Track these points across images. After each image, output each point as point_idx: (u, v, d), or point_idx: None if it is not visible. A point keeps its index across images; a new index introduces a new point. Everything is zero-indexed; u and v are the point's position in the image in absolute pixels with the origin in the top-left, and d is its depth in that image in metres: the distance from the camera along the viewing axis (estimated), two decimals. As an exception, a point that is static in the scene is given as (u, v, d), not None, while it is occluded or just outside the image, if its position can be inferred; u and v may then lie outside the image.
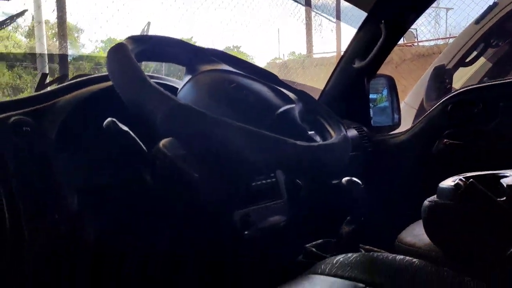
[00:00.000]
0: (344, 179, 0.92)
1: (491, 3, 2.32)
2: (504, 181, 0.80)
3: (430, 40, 6.40)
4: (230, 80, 0.77)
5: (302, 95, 0.86)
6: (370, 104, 1.83)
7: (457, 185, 0.76)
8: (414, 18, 1.59)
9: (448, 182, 0.86)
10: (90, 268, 0.77)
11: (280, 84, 0.87)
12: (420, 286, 0.70)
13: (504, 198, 0.77)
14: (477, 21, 2.38)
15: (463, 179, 0.76)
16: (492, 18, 2.33)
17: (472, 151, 1.45)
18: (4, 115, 0.71)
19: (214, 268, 0.96)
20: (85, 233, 0.73)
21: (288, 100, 0.80)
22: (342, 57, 1.70)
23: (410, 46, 6.54)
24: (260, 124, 0.65)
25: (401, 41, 7.02)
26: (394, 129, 1.75)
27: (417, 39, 6.96)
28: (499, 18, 2.33)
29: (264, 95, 0.77)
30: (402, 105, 2.48)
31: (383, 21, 1.53)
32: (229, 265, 1.00)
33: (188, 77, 0.79)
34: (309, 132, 0.78)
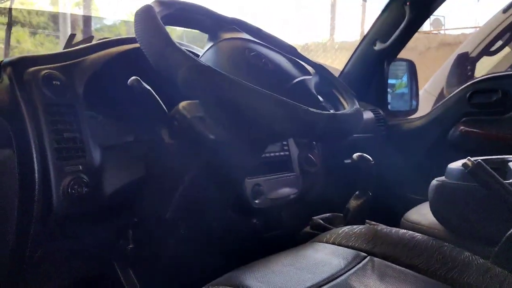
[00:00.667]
0: (355, 155, 0.94)
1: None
2: (512, 165, 0.82)
3: (458, 28, 6.26)
4: (251, 48, 0.79)
5: (320, 68, 0.88)
6: (389, 90, 1.83)
7: (464, 165, 0.77)
8: (439, 2, 1.57)
9: (457, 163, 0.88)
10: (105, 219, 0.82)
11: (299, 57, 0.89)
12: (420, 257, 0.73)
13: (511, 180, 0.79)
14: (505, 10, 2.34)
15: (471, 160, 0.77)
16: (521, 8, 2.29)
17: (488, 139, 1.45)
18: (36, 68, 0.75)
19: (223, 230, 1.00)
20: (103, 186, 0.78)
21: (305, 72, 0.83)
22: (364, 38, 1.69)
23: (437, 33, 6.40)
24: (276, 91, 0.67)
25: (427, 28, 6.89)
26: (411, 115, 1.76)
27: (444, 27, 6.81)
28: (528, 8, 2.28)
29: (282, 65, 0.79)
30: (421, 91, 2.47)
31: (408, 3, 1.52)
32: (238, 230, 1.04)
33: (210, 44, 0.81)
34: (324, 104, 0.80)
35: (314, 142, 1.21)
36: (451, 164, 0.90)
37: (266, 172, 1.07)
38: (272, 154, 1.10)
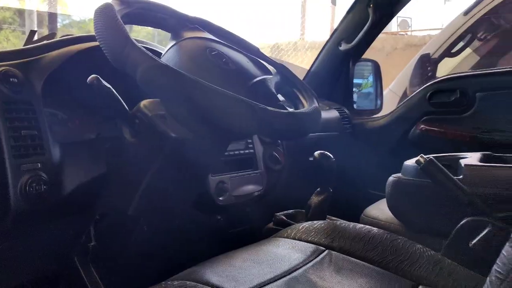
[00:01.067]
0: (317, 152, 0.97)
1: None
2: (462, 161, 0.86)
3: (424, 30, 6.42)
4: (212, 48, 0.80)
5: (282, 68, 0.90)
6: (355, 89, 1.87)
7: (417, 161, 0.81)
8: (402, 5, 1.62)
9: (413, 160, 0.92)
10: (66, 217, 0.82)
11: (261, 57, 0.91)
12: (375, 250, 0.76)
13: (461, 176, 0.83)
14: (466, 12, 2.43)
15: (424, 157, 0.81)
16: (481, 10, 2.38)
17: (447, 137, 1.51)
18: None
19: (186, 226, 1.01)
20: (63, 184, 0.77)
21: (266, 71, 0.84)
22: (329, 38, 1.73)
23: (403, 35, 6.56)
24: (236, 90, 0.68)
25: (395, 29, 7.04)
26: (376, 113, 1.80)
27: (411, 28, 6.99)
28: (487, 11, 2.37)
29: (243, 64, 0.81)
30: (386, 91, 2.54)
31: (371, 5, 1.56)
32: (202, 226, 1.05)
33: (172, 43, 0.82)
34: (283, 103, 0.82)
35: (279, 141, 1.23)
36: (407, 161, 0.94)
37: (231, 170, 1.08)
38: (236, 152, 1.12)
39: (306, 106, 0.82)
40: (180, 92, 0.64)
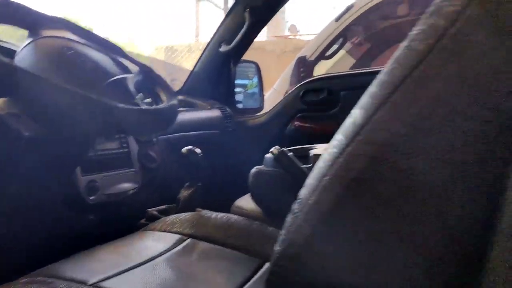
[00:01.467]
0: (184, 148, 1.01)
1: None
2: (312, 151, 0.96)
3: (310, 34, 6.85)
4: (70, 47, 0.81)
5: (145, 68, 0.93)
6: (242, 89, 1.96)
7: (272, 152, 0.89)
8: (274, 11, 1.73)
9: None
10: None
11: (125, 56, 0.93)
12: (233, 236, 0.83)
13: (310, 165, 0.93)
14: (337, 19, 2.67)
15: (277, 148, 0.90)
16: (349, 17, 2.63)
17: (316, 132, 1.65)
18: None
19: (55, 226, 0.99)
20: None
21: (126, 70, 0.87)
22: (211, 40, 1.78)
23: (292, 38, 6.94)
24: (92, 89, 0.70)
25: (286, 33, 7.42)
26: (258, 112, 1.90)
27: (300, 33, 7.43)
28: (355, 18, 2.63)
29: (101, 63, 0.83)
30: (271, 91, 2.68)
31: (247, 9, 1.64)
32: (73, 226, 1.04)
33: (28, 40, 0.81)
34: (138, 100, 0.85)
35: (154, 139, 1.26)
36: (267, 154, 1.02)
37: (105, 169, 1.09)
38: (110, 152, 1.12)
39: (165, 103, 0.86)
40: (25, 91, 0.64)
